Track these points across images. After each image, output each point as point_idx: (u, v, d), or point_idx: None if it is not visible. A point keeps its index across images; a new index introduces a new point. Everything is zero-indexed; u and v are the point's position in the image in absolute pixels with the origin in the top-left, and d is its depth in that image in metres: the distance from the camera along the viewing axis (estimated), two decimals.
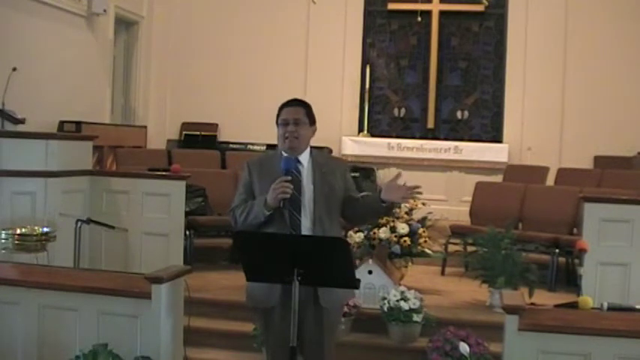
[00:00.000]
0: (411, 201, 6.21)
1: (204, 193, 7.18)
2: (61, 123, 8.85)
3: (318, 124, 3.61)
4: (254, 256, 3.21)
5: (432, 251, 6.27)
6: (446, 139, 10.92)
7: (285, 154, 3.49)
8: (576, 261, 6.02)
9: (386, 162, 10.34)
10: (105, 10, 9.83)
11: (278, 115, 3.55)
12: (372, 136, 10.99)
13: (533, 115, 10.72)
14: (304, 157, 3.51)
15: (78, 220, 5.38)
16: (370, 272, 5.50)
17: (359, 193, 3.68)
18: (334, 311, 3.53)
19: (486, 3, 10.93)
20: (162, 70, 11.43)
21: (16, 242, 5.05)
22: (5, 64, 7.43)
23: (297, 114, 3.51)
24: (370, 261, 5.55)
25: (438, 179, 10.31)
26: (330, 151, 9.90)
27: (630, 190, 7.07)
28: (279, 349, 3.38)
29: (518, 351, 3.49)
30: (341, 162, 3.72)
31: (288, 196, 3.31)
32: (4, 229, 5.11)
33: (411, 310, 5.07)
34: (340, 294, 3.49)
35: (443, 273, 7.05)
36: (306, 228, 3.41)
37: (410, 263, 6.14)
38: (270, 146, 10.58)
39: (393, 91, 11.42)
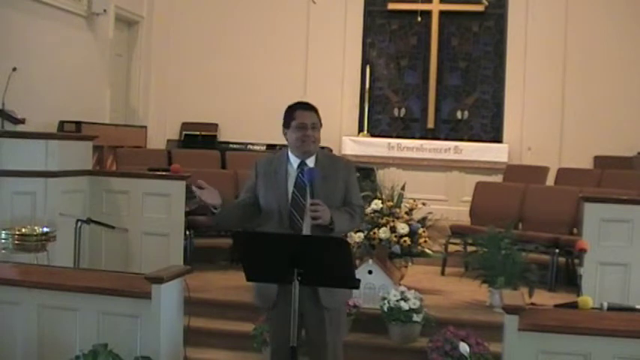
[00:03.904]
0: (411, 201, 6.24)
1: None
2: (61, 123, 8.84)
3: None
4: (254, 256, 3.22)
5: (432, 251, 6.27)
6: (446, 139, 10.91)
7: (308, 165, 3.50)
8: (576, 261, 6.02)
9: (386, 162, 10.33)
10: (105, 10, 9.81)
11: (291, 117, 3.54)
12: (372, 136, 10.98)
13: (533, 115, 10.71)
14: (311, 161, 3.53)
15: (78, 220, 5.38)
16: (370, 272, 5.51)
17: (360, 200, 3.67)
18: (337, 312, 3.53)
19: (486, 3, 10.92)
20: (163, 70, 11.42)
21: (16, 242, 5.06)
22: (5, 64, 7.43)
23: (314, 118, 3.54)
24: (370, 261, 5.55)
25: (438, 179, 10.30)
26: (330, 150, 9.90)
27: (630, 190, 7.07)
28: (279, 348, 3.42)
29: (518, 351, 3.49)
30: (345, 164, 3.66)
31: (206, 199, 3.49)
32: (4, 229, 5.12)
33: (411, 310, 5.07)
34: (341, 294, 3.50)
35: (443, 273, 7.05)
36: (307, 231, 3.44)
37: (410, 263, 6.14)
38: (270, 146, 10.60)
39: (393, 91, 11.42)
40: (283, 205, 3.46)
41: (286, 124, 3.55)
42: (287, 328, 3.16)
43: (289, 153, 3.56)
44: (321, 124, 3.56)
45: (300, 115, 3.52)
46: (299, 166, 3.52)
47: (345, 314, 3.65)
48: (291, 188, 3.49)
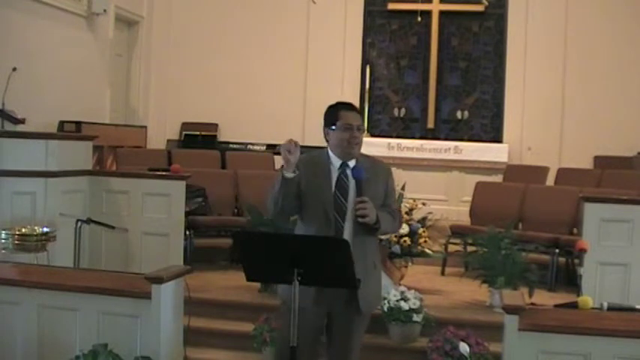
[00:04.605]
0: (411, 201, 6.24)
1: (204, 193, 7.18)
2: (61, 123, 8.84)
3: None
4: (254, 256, 3.21)
5: (432, 251, 6.26)
6: (446, 139, 10.92)
7: (350, 167, 3.45)
8: (576, 261, 6.02)
9: (386, 162, 10.31)
10: (105, 10, 9.82)
11: (334, 117, 3.48)
12: (372, 136, 10.97)
13: (533, 115, 10.72)
14: (352, 162, 3.49)
15: (78, 220, 5.38)
16: None
17: (396, 204, 3.68)
18: (367, 316, 3.56)
19: (486, 3, 10.93)
20: (163, 70, 11.43)
21: (16, 242, 5.05)
22: (5, 64, 7.43)
23: (359, 120, 3.50)
24: None
25: (438, 179, 10.29)
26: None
27: (630, 190, 7.07)
28: (304, 347, 3.35)
29: (518, 351, 3.49)
30: (385, 167, 3.66)
31: (292, 159, 3.27)
32: (4, 229, 5.11)
33: (411, 310, 5.07)
34: (376, 299, 3.58)
35: (443, 273, 7.05)
36: (348, 232, 3.40)
37: (410, 263, 6.14)
38: (270, 146, 10.59)
39: (393, 91, 11.42)
40: (330, 207, 3.40)
41: (328, 124, 3.50)
42: (315, 329, 3.20)
43: (330, 153, 3.51)
44: (365, 127, 3.56)
45: (345, 116, 3.47)
46: (340, 167, 3.47)
47: (369, 317, 3.63)
48: (332, 189, 3.44)
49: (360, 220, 3.32)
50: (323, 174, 3.45)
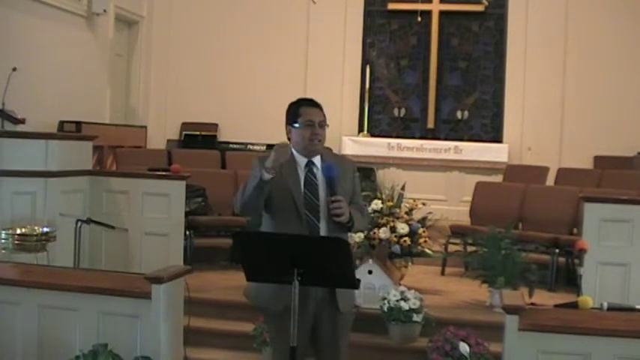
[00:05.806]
0: (411, 201, 6.24)
1: (204, 193, 7.19)
2: (61, 123, 8.84)
3: None
4: (254, 256, 3.21)
5: (432, 251, 6.27)
6: (446, 139, 10.91)
7: (316, 165, 3.43)
8: (576, 261, 6.02)
9: (386, 162, 10.34)
10: (105, 10, 9.82)
11: (296, 114, 3.43)
12: (372, 136, 10.98)
13: (533, 115, 10.71)
14: (317, 160, 3.46)
15: (78, 220, 5.38)
16: (370, 272, 5.51)
17: (361, 198, 3.67)
18: (349, 314, 3.52)
19: (486, 3, 10.92)
20: (163, 70, 11.42)
21: (16, 242, 5.06)
22: (5, 64, 7.43)
23: (322, 116, 3.45)
24: (370, 261, 5.55)
25: (438, 179, 10.30)
26: (330, 150, 9.90)
27: (630, 190, 7.07)
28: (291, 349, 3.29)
29: (518, 351, 3.49)
30: (350, 163, 3.62)
31: (282, 161, 3.25)
32: (4, 229, 5.12)
33: (411, 310, 5.07)
34: (353, 297, 3.50)
35: (443, 273, 7.06)
36: (323, 232, 3.38)
37: (410, 263, 6.14)
38: (270, 146, 10.59)
39: (393, 91, 11.42)
40: (301, 207, 3.36)
41: (290, 121, 3.45)
42: (302, 332, 3.17)
43: (294, 151, 3.46)
44: (327, 123, 3.47)
45: (306, 112, 3.43)
46: (306, 166, 3.44)
47: (352, 317, 3.58)
48: (301, 189, 3.40)
49: (335, 219, 3.31)
50: (289, 173, 3.40)
